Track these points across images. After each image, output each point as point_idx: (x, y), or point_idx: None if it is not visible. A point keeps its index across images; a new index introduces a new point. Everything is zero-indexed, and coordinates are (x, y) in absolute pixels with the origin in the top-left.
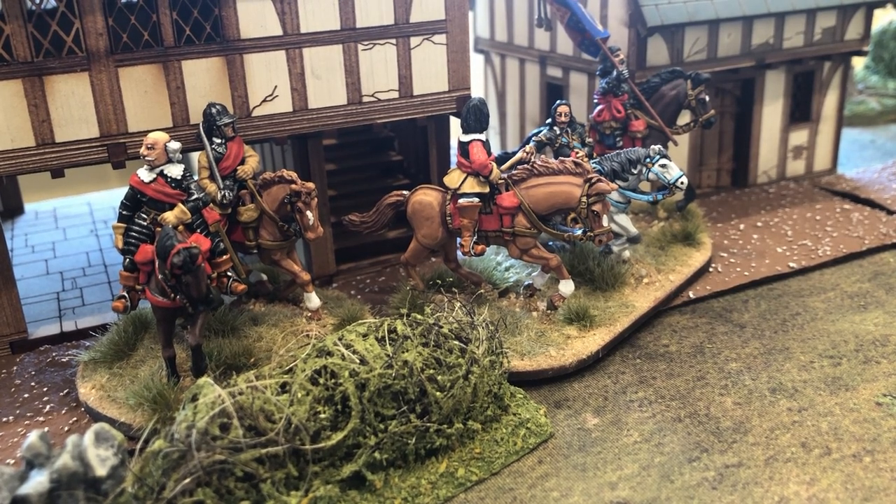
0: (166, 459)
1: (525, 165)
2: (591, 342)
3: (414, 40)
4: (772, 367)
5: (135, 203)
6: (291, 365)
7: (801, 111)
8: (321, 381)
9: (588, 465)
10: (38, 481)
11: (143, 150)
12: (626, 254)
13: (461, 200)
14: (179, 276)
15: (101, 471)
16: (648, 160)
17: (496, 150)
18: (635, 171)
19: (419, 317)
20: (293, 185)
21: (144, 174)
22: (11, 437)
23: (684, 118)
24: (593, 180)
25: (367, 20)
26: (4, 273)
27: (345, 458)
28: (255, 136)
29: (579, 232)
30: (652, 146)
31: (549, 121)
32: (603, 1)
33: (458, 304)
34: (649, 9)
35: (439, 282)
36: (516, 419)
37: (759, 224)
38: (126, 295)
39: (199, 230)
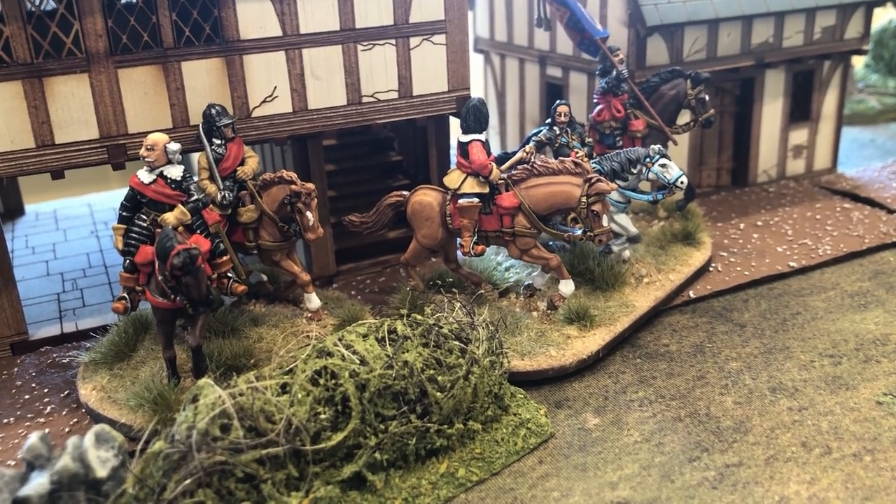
0: (167, 460)
1: (525, 165)
2: (591, 342)
3: (413, 41)
4: (772, 367)
5: (135, 204)
6: (292, 366)
7: (800, 110)
8: (321, 381)
9: (588, 465)
10: (38, 483)
11: (142, 152)
12: (626, 253)
13: (461, 201)
14: (179, 277)
15: (101, 472)
16: (648, 160)
17: (496, 151)
18: (635, 171)
19: (419, 317)
20: (293, 186)
21: (144, 175)
22: (12, 438)
23: (684, 118)
24: (593, 180)
25: (367, 21)
26: (5, 274)
27: (345, 458)
28: (255, 136)
29: (579, 232)
30: (651, 146)
31: (548, 121)
32: (602, 1)
33: (459, 305)
34: (649, 8)
35: (439, 282)
36: (517, 419)
37: (759, 223)
38: (126, 296)
39: (198, 231)
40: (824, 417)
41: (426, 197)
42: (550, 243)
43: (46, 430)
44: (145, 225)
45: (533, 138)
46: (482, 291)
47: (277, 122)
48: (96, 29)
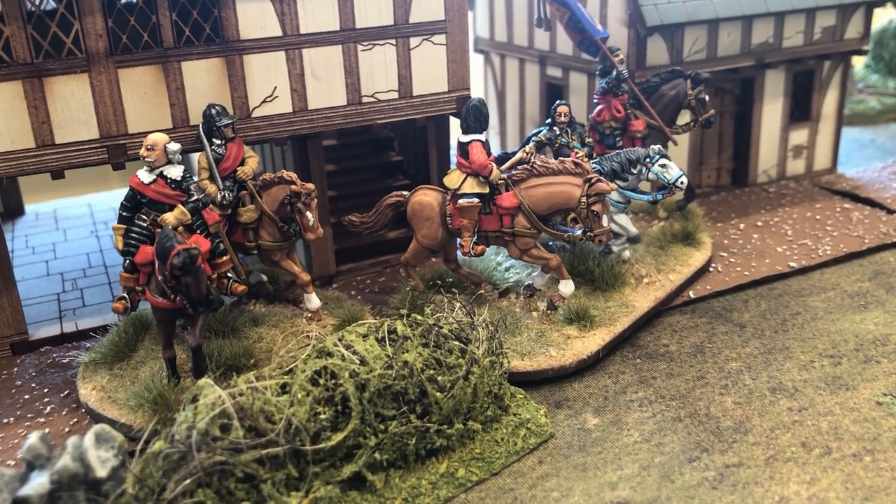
0: (167, 460)
1: (525, 166)
2: (591, 342)
3: (413, 41)
4: (772, 367)
5: (135, 204)
6: (291, 366)
7: (800, 110)
8: (321, 381)
9: (588, 465)
10: (38, 483)
11: (142, 152)
12: (626, 254)
13: (461, 201)
14: (179, 277)
15: (101, 472)
16: (648, 160)
17: (496, 151)
18: (635, 171)
19: (419, 317)
20: (293, 186)
21: (144, 175)
22: (12, 438)
23: (684, 118)
24: (593, 180)
25: (367, 21)
26: (5, 274)
27: (345, 458)
28: (255, 136)
29: (579, 232)
30: (651, 146)
31: (548, 121)
32: (602, 1)
33: (458, 305)
34: (649, 8)
35: (439, 282)
36: (516, 419)
37: (759, 223)
38: (126, 296)
39: (198, 231)
40: (824, 418)
41: (426, 197)
42: (550, 243)
43: (46, 430)
44: (145, 225)
45: (533, 138)
46: (482, 291)
47: (277, 122)
48: (96, 29)
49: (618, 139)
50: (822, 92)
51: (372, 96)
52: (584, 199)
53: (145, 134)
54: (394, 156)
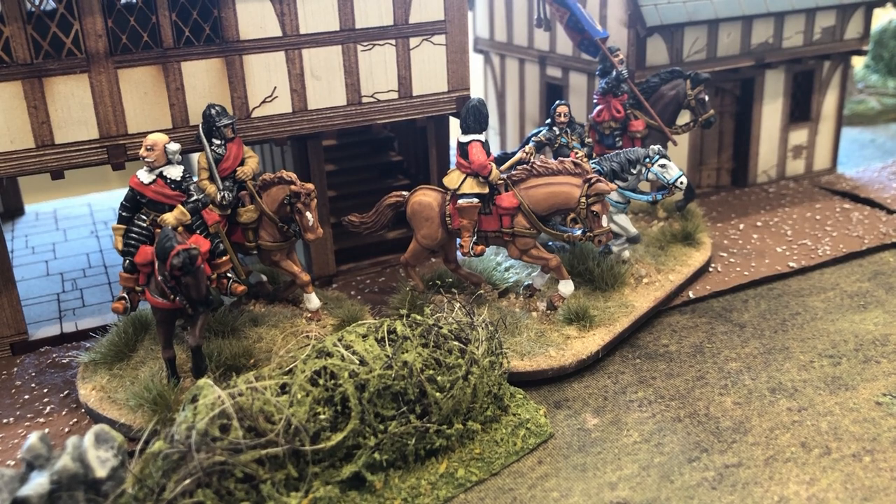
0: (166, 461)
1: (524, 166)
2: (590, 342)
3: (413, 41)
4: (771, 367)
5: (134, 204)
6: (291, 366)
7: (800, 110)
8: (321, 381)
9: (588, 465)
10: (38, 483)
11: (142, 152)
12: (626, 254)
13: (461, 201)
14: (179, 277)
15: (101, 472)
16: (648, 160)
17: (495, 151)
18: (635, 171)
19: (419, 317)
20: (293, 186)
21: (144, 175)
22: (12, 438)
23: (684, 118)
24: (592, 180)
25: (367, 21)
26: (5, 274)
27: (345, 458)
28: (255, 137)
29: (579, 232)
30: (651, 146)
31: (548, 121)
32: (602, 1)
33: (458, 305)
34: (648, 9)
35: (439, 282)
36: (516, 419)
37: (759, 224)
38: (126, 296)
39: (198, 231)
40: (824, 418)
41: (426, 197)
42: (550, 243)
43: (46, 430)
44: (145, 225)
45: (533, 139)
46: (482, 291)
47: (277, 123)
48: (96, 29)
49: (617, 139)
50: (822, 92)
51: (372, 96)
52: (583, 200)
53: (145, 134)
54: (394, 156)
